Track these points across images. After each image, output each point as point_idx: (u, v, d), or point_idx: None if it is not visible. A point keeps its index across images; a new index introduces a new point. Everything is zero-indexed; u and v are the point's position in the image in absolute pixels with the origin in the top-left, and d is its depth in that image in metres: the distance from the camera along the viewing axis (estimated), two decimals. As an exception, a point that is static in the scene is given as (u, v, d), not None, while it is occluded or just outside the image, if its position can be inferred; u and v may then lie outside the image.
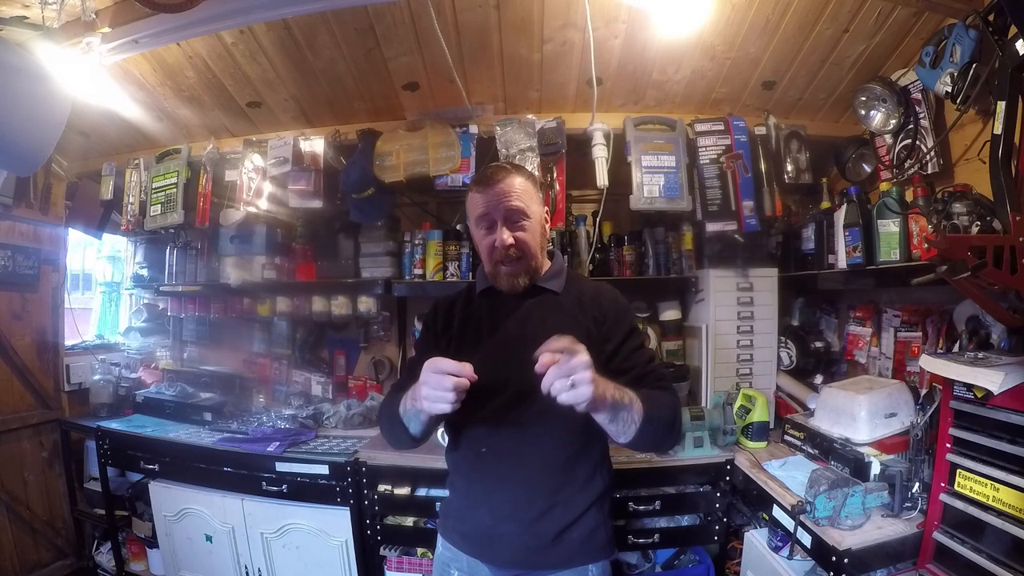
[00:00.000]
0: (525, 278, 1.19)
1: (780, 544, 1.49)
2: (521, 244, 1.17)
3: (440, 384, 0.95)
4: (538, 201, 1.23)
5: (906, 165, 1.73)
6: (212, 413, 2.28)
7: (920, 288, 1.51)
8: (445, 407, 0.96)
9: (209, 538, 2.03)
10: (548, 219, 1.28)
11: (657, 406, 1.05)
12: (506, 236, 1.15)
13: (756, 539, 1.60)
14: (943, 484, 1.23)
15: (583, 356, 0.88)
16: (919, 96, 1.68)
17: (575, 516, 1.14)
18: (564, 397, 0.88)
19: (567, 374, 0.87)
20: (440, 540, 1.30)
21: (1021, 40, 1.17)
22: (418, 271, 2.19)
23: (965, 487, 1.18)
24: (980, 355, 1.23)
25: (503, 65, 1.94)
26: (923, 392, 1.55)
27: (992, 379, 1.10)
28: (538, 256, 1.21)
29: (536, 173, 1.91)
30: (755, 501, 1.65)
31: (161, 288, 2.65)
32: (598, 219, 2.15)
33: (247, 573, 1.99)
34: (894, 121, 1.73)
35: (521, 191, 1.18)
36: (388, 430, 1.20)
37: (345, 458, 1.84)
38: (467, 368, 0.96)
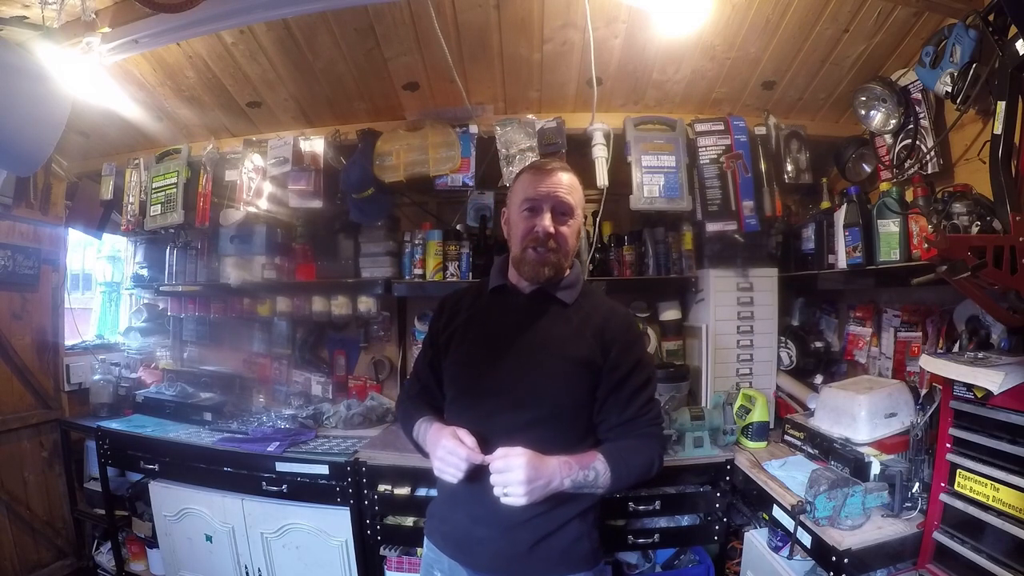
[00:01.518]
0: (550, 271, 1.17)
1: (780, 544, 1.49)
2: (560, 238, 1.17)
3: (454, 453, 1.04)
4: (582, 207, 1.24)
5: (906, 165, 1.73)
6: (212, 413, 2.28)
7: (920, 288, 1.51)
8: (452, 479, 1.05)
9: (209, 538, 2.03)
10: (584, 230, 1.28)
11: (629, 465, 1.11)
12: (548, 223, 1.15)
13: (756, 539, 1.60)
14: (943, 484, 1.23)
15: (518, 473, 0.97)
16: (919, 96, 1.68)
17: (556, 526, 1.12)
18: (503, 500, 1.00)
19: (503, 484, 0.99)
20: (426, 541, 1.29)
21: (1021, 40, 1.17)
22: (418, 271, 2.19)
23: (965, 487, 1.18)
24: (980, 355, 1.22)
25: (503, 65, 1.94)
26: (923, 392, 1.55)
27: (992, 379, 1.10)
28: (570, 257, 1.22)
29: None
30: (755, 501, 1.65)
31: (161, 288, 2.64)
32: (598, 219, 2.14)
33: (247, 573, 1.99)
34: (894, 121, 1.73)
35: (572, 189, 1.20)
36: (406, 435, 1.29)
37: (345, 458, 1.84)
38: (478, 456, 1.04)
